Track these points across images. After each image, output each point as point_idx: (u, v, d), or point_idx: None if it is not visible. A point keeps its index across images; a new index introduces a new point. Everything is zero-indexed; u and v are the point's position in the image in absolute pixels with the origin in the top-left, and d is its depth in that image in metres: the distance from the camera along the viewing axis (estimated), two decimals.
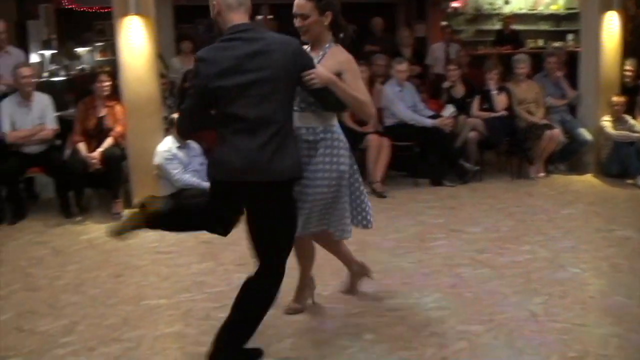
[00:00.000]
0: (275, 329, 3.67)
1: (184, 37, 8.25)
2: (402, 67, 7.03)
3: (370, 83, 7.16)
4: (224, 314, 3.80)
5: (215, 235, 5.18)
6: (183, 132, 4.96)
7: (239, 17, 3.04)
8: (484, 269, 4.54)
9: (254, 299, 3.21)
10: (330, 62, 3.37)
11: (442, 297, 4.07)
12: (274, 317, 3.75)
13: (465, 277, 4.40)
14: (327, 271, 4.49)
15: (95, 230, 5.75)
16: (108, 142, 6.04)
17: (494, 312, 3.83)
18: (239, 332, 3.20)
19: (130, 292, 4.32)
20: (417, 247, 5.01)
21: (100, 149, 5.99)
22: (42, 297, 4.37)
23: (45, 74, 10.62)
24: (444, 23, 11.48)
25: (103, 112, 6.16)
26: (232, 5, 3.04)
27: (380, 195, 6.48)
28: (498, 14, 12.98)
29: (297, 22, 3.44)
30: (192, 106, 3.13)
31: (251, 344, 3.25)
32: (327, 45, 3.48)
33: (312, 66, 3.14)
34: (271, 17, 10.54)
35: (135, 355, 3.48)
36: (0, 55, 6.83)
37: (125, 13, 5.99)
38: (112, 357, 3.47)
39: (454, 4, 13.00)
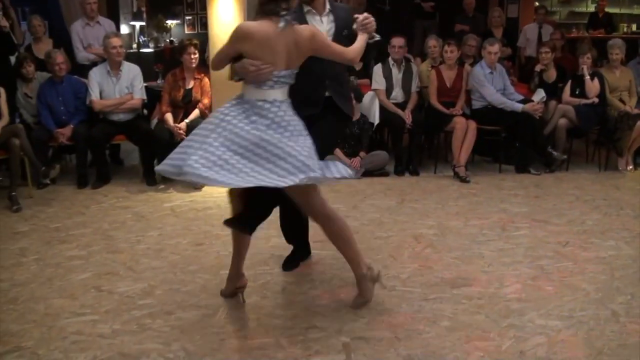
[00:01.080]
0: (351, 308, 3.65)
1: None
2: (493, 49, 6.82)
3: (460, 63, 7.00)
4: (299, 289, 3.87)
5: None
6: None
7: None
8: (566, 262, 4.37)
9: None
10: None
11: (522, 289, 3.94)
12: (349, 296, 3.76)
13: (547, 269, 4.25)
14: (405, 254, 4.45)
15: (177, 198, 5.89)
16: (194, 113, 6.14)
17: (574, 309, 3.68)
18: None
19: (209, 261, 4.39)
20: (499, 236, 4.88)
21: (186, 120, 6.10)
22: (122, 259, 4.50)
23: (134, 45, 10.94)
24: (537, 4, 11.08)
25: (190, 84, 6.25)
26: None
27: (464, 180, 6.34)
28: None
29: None
30: None
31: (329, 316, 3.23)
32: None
33: None
34: None
35: (211, 322, 3.53)
36: (91, 26, 7.04)
37: None
38: (189, 322, 3.54)
39: None
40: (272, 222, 5.03)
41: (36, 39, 7.13)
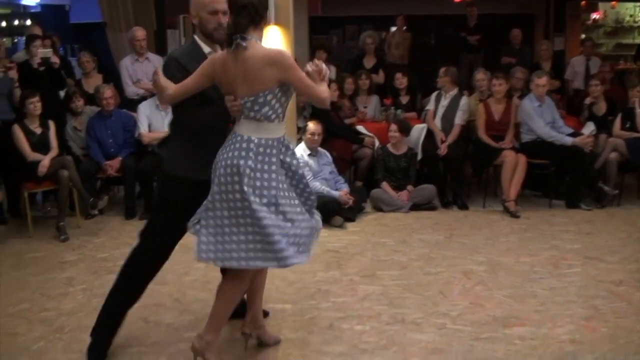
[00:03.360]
0: (401, 346, 3.57)
1: (319, 47, 8.30)
2: (542, 81, 6.72)
3: (509, 96, 6.92)
4: (347, 325, 3.80)
5: (342, 244, 5.24)
6: None
7: None
8: (620, 302, 4.21)
9: None
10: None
11: (575, 330, 3.80)
12: (398, 334, 3.68)
13: (600, 309, 4.09)
14: (455, 291, 4.35)
15: None
16: None
17: (629, 353, 3.52)
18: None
19: None
20: (550, 273, 4.74)
21: None
22: (169, 291, 4.49)
23: None
24: (583, 36, 10.95)
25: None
26: None
27: (514, 215, 6.21)
28: (639, 27, 12.25)
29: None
30: None
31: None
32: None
33: None
34: (405, 28, 10.45)
35: (258, 357, 3.50)
36: (140, 61, 7.18)
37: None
38: (236, 355, 3.51)
39: (594, 16, 12.39)
40: (319, 257, 5.02)
41: (86, 74, 7.30)
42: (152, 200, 3.36)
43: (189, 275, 4.77)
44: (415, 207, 6.39)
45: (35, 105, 5.97)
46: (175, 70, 3.18)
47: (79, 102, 6.63)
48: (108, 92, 6.54)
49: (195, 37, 3.31)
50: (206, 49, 3.29)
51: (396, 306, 4.08)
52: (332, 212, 5.84)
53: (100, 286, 4.61)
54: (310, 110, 6.93)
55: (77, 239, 5.81)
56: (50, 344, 3.69)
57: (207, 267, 4.87)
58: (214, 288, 4.38)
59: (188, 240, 5.46)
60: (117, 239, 5.74)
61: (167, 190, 3.42)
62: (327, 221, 5.83)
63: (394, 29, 10.69)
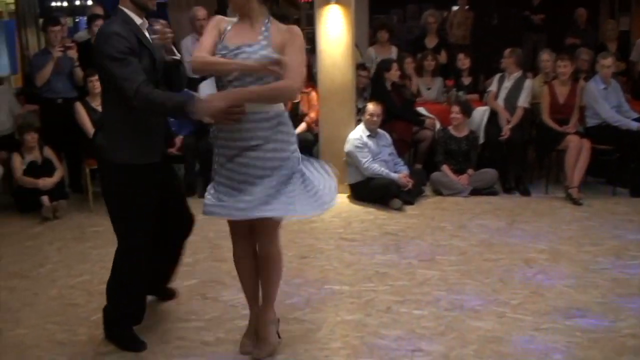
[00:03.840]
0: (459, 332, 3.54)
1: (381, 27, 8.20)
2: (607, 62, 6.47)
3: (574, 79, 6.71)
4: (405, 309, 3.79)
5: (400, 228, 5.22)
6: None
7: None
8: None
9: None
10: (278, 38, 3.04)
11: (637, 324, 3.67)
12: (457, 320, 3.65)
13: None
14: (515, 279, 4.28)
15: None
16: (301, 127, 6.19)
17: None
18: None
19: (314, 275, 4.38)
20: (613, 264, 4.59)
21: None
22: (227, 268, 4.50)
23: None
24: None
25: (298, 97, 6.30)
26: None
27: (577, 202, 6.04)
28: None
29: None
30: None
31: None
32: (265, 20, 3.08)
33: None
34: (467, 7, 10.22)
35: (315, 338, 3.51)
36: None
37: (327, 2, 6.09)
38: (293, 336, 3.53)
39: None
40: (377, 239, 5.02)
41: None
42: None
43: None
44: (476, 191, 6.29)
45: (94, 84, 6.09)
46: (124, 45, 3.08)
47: None
48: None
49: (123, 8, 3.23)
50: (137, 20, 3.24)
51: (455, 292, 4.04)
52: (391, 195, 5.80)
53: None
54: (370, 91, 6.88)
55: None
56: None
57: None
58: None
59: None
60: None
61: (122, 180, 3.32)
62: (385, 203, 5.83)
63: (455, 8, 10.48)
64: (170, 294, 3.99)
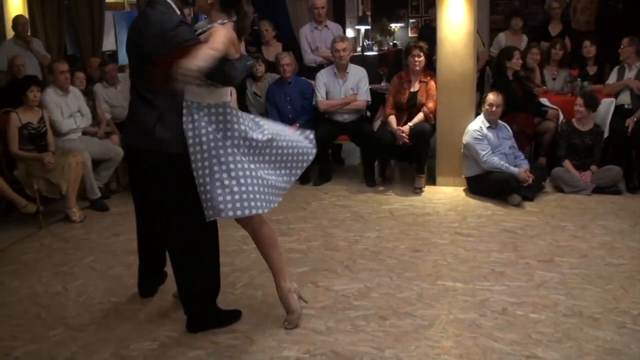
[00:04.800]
0: (577, 341, 3.33)
1: (515, 13, 7.89)
2: None
3: None
4: (522, 312, 3.64)
5: (519, 225, 5.02)
6: None
7: None
8: None
9: None
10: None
11: None
12: (575, 328, 3.47)
13: None
14: (638, 287, 4.00)
15: (396, 201, 5.86)
16: (419, 117, 6.05)
17: None
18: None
19: (426, 269, 4.28)
20: None
21: (410, 124, 6.02)
22: (339, 257, 4.55)
23: (359, 49, 11.17)
24: None
25: (416, 87, 6.18)
26: None
27: None
28: None
29: None
30: None
31: None
32: (216, 22, 3.21)
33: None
34: None
35: (426, 334, 3.42)
36: (319, 29, 7.24)
37: None
38: (403, 330, 3.47)
39: None
40: (494, 236, 4.85)
41: (265, 43, 7.53)
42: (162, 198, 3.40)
43: (360, 244, 4.80)
44: (599, 189, 5.94)
45: None
46: (189, 32, 3.23)
47: (260, 67, 6.85)
48: (287, 59, 6.68)
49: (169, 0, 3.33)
50: (177, 12, 3.33)
51: (574, 297, 3.82)
52: (510, 190, 5.58)
53: None
54: (491, 80, 6.65)
55: None
56: (222, 295, 3.82)
57: (377, 237, 4.92)
58: (385, 258, 4.47)
59: (360, 208, 5.58)
60: (292, 203, 5.89)
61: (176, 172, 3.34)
62: (504, 198, 5.63)
63: None
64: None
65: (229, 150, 3.23)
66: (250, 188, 3.23)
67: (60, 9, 8.67)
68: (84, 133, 6.19)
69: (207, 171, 3.21)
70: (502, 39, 7.65)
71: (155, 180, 3.38)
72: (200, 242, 3.47)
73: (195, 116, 3.22)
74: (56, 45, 8.53)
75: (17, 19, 7.20)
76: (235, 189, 3.20)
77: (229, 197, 3.19)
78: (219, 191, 3.19)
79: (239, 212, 3.22)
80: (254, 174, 3.28)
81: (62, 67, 5.94)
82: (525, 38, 7.68)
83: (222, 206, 3.18)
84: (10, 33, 7.36)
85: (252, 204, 3.23)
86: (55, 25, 8.54)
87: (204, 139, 3.20)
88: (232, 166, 3.21)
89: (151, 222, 3.60)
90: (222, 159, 3.21)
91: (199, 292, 3.54)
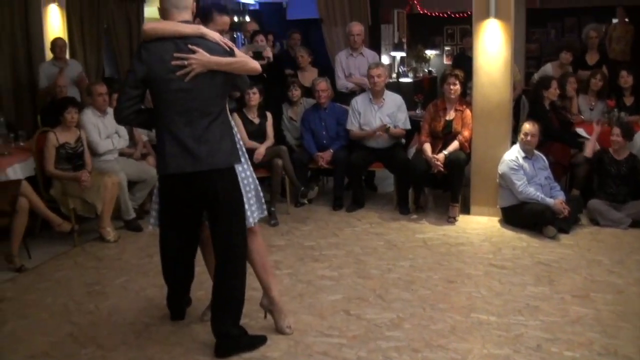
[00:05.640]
0: None
1: (567, 48, 7.83)
2: None
3: None
4: (556, 349, 3.57)
5: (554, 258, 4.93)
6: None
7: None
8: None
9: None
10: None
11: None
12: None
13: None
14: None
15: (429, 230, 5.80)
16: (454, 145, 6.00)
17: None
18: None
19: (460, 301, 4.22)
20: None
21: (445, 152, 5.98)
22: (372, 286, 4.51)
23: (394, 75, 11.20)
24: None
25: (451, 115, 6.15)
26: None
27: None
28: None
29: None
30: None
31: None
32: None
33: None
34: (627, 20, 9.58)
35: None
36: (354, 56, 7.26)
37: (485, 16, 5.91)
38: None
39: None
40: (528, 268, 4.77)
41: (301, 69, 7.59)
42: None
43: (393, 273, 4.76)
44: (636, 223, 5.81)
45: (252, 96, 6.29)
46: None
47: (296, 92, 6.90)
48: (322, 85, 6.72)
49: None
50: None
51: (609, 335, 3.72)
52: (546, 222, 5.49)
53: (305, 273, 4.78)
54: (527, 109, 6.58)
55: (286, 224, 6.06)
56: (253, 321, 3.87)
57: (411, 266, 4.88)
58: (418, 289, 4.44)
59: (393, 236, 5.55)
60: (324, 229, 5.89)
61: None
62: (539, 230, 5.55)
63: (615, 20, 9.86)
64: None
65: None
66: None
67: (99, 32, 8.84)
68: (121, 154, 6.27)
69: (250, 179, 3.68)
70: (549, 70, 7.60)
71: (226, 194, 3.45)
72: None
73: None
74: (94, 67, 8.69)
75: (56, 41, 7.36)
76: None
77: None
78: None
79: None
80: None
81: (100, 90, 6.05)
82: (549, 66, 7.64)
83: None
84: (49, 54, 7.52)
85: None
86: (94, 47, 8.71)
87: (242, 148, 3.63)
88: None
89: (214, 240, 3.57)
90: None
91: (238, 307, 3.58)
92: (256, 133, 6.42)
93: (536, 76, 7.78)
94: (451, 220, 5.98)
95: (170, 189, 3.51)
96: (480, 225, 5.89)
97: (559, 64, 7.65)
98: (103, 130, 6.03)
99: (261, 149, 6.27)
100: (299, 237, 5.68)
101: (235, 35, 10.87)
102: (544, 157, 5.91)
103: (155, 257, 5.07)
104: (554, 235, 5.46)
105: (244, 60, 3.41)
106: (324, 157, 6.54)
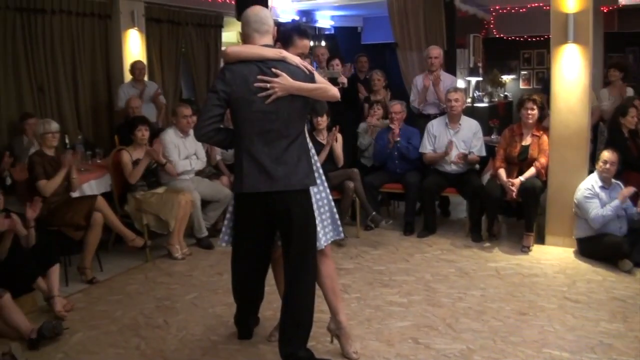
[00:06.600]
0: None
1: (612, 65, 7.53)
2: None
3: None
4: None
5: (630, 293, 4.72)
6: None
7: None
8: None
9: None
10: None
11: None
12: None
13: None
14: None
15: (502, 259, 5.67)
16: (530, 172, 5.85)
17: None
18: None
19: (532, 335, 4.08)
20: None
21: (521, 178, 5.84)
22: (442, 314, 4.43)
23: (469, 100, 11.09)
24: None
25: (528, 140, 6.02)
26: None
27: None
28: None
29: None
30: None
31: None
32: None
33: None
34: None
35: None
36: (430, 79, 7.15)
37: (563, 41, 5.78)
38: None
39: None
40: (603, 304, 4.58)
41: (375, 92, 7.62)
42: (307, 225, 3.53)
43: (463, 302, 4.66)
44: None
45: (320, 119, 6.33)
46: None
47: (378, 111, 7.03)
48: (397, 107, 6.72)
49: None
50: None
51: None
52: (622, 255, 5.28)
53: (374, 298, 4.74)
54: (605, 136, 6.37)
55: (355, 248, 6.03)
56: (320, 345, 3.86)
57: (482, 296, 4.77)
58: (489, 319, 4.33)
59: (465, 264, 5.44)
60: (395, 254, 5.84)
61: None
62: (614, 263, 5.33)
63: None
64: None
65: None
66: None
67: (178, 56, 9.12)
68: (197, 173, 6.42)
69: (325, 200, 3.76)
70: (606, 93, 7.35)
71: (300, 216, 3.48)
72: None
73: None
74: (172, 89, 8.96)
75: (135, 64, 7.65)
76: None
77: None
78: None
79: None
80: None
81: (185, 112, 6.21)
82: (630, 90, 7.35)
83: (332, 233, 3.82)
84: (127, 76, 7.80)
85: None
86: (172, 70, 8.99)
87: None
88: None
89: (286, 260, 3.59)
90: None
91: (306, 329, 3.58)
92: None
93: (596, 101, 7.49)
94: (525, 249, 5.82)
95: (245, 207, 3.55)
96: (554, 256, 5.71)
97: (612, 84, 7.35)
98: (183, 150, 6.19)
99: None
100: (368, 261, 5.65)
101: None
102: (622, 186, 5.68)
103: (225, 275, 5.16)
104: (630, 269, 5.23)
105: (325, 87, 3.46)
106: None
